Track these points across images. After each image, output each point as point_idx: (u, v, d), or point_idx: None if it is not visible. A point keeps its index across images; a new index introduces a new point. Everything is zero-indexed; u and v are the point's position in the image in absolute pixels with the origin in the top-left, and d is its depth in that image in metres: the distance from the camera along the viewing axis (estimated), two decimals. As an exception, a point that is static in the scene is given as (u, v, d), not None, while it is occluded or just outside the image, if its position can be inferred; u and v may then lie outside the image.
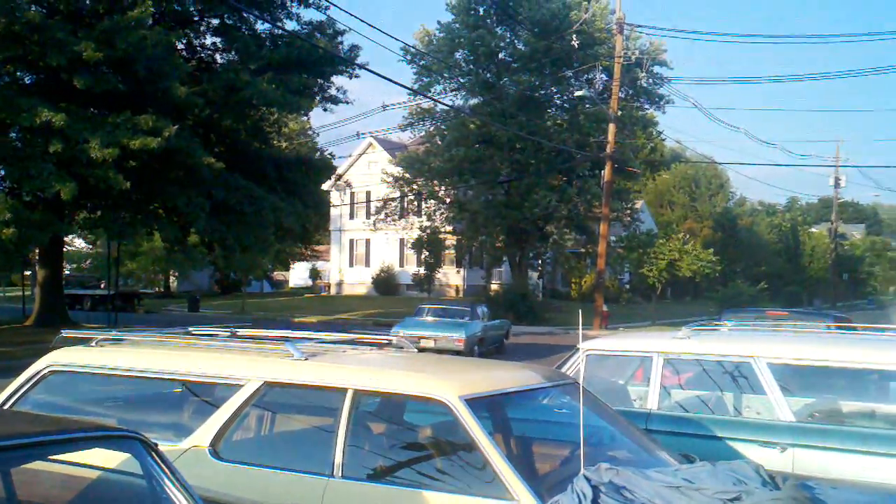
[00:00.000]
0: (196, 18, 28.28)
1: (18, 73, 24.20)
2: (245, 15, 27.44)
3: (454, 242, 49.70)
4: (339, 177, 43.83)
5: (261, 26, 28.63)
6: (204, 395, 5.60)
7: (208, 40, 29.33)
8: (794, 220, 70.66)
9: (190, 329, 6.53)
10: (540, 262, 49.36)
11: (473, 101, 42.70)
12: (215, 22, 28.35)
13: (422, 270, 52.09)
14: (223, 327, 6.99)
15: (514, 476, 4.18)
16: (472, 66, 41.59)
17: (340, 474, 4.51)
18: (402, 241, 52.37)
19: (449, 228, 46.51)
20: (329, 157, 49.91)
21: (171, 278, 59.23)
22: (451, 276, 54.81)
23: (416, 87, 40.19)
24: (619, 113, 37.21)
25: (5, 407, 5.38)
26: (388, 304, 47.54)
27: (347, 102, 30.58)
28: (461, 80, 42.28)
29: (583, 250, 49.33)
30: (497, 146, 40.67)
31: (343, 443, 4.58)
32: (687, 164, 74.21)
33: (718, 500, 3.93)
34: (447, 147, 41.41)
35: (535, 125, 38.80)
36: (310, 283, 65.41)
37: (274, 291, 64.95)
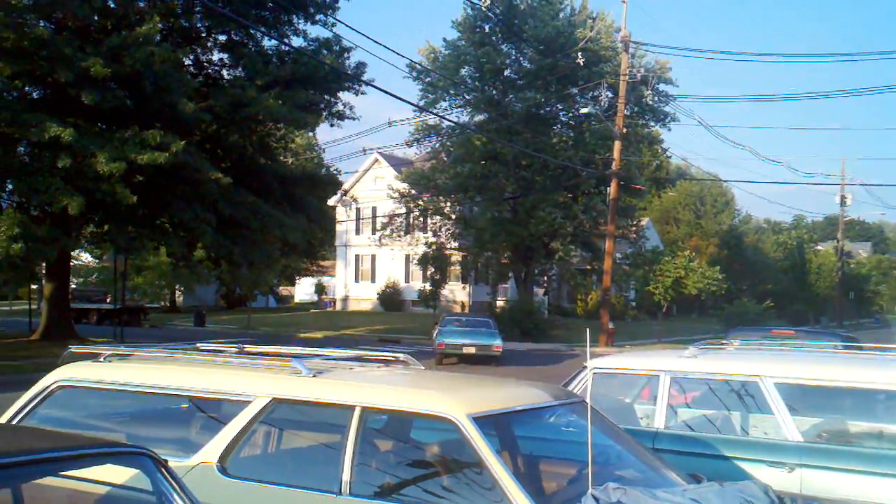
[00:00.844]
0: (203, 35, 28.45)
1: (27, 89, 24.35)
2: (252, 31, 27.60)
3: (460, 258, 49.70)
4: (345, 192, 43.93)
5: (268, 43, 28.83)
6: (212, 411, 5.61)
7: (215, 56, 29.53)
8: (800, 237, 70.51)
9: (198, 345, 6.54)
10: (545, 278, 49.32)
11: (479, 118, 42.78)
12: (222, 38, 28.53)
13: (427, 286, 52.03)
14: (231, 342, 7.00)
15: (521, 495, 4.17)
16: (477, 83, 41.69)
17: (348, 491, 4.51)
18: (407, 256, 52.40)
19: (455, 244, 46.53)
20: (335, 172, 50.08)
21: (177, 293, 59.31)
22: (457, 292, 54.80)
23: (421, 103, 40.33)
24: (625, 130, 37.26)
25: (14, 422, 5.39)
26: (394, 319, 47.56)
27: (354, 118, 30.70)
28: (467, 97, 42.39)
29: (588, 267, 49.27)
30: (503, 163, 40.73)
31: (351, 460, 4.58)
32: (692, 182, 74.21)
33: (727, 520, 3.92)
34: (453, 163, 41.48)
35: (541, 142, 38.85)
36: (315, 298, 65.44)
37: (279, 307, 65.01)
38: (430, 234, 46.61)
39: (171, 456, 4.68)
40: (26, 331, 30.94)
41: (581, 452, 5.49)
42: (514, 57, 42.31)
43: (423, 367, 5.99)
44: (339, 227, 57.91)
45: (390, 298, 55.60)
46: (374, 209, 53.79)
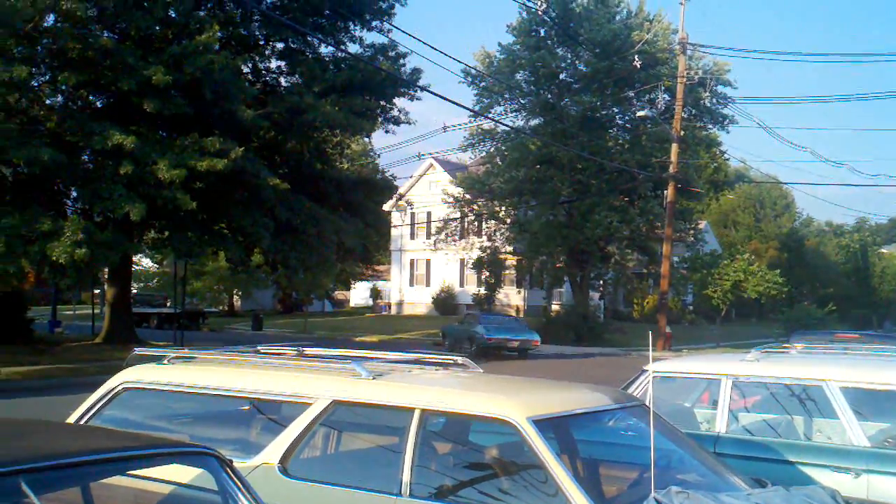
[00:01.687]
0: (261, 43, 28.83)
1: (91, 98, 24.90)
2: (309, 39, 27.88)
3: (514, 263, 49.59)
4: (401, 197, 44.11)
5: (324, 49, 29.09)
6: (273, 413, 5.67)
7: (273, 64, 29.90)
8: (863, 240, 68.93)
9: (258, 347, 6.62)
10: (601, 282, 48.97)
11: (534, 122, 42.68)
12: (280, 46, 28.87)
13: (482, 290, 52.05)
14: (290, 345, 7.07)
15: (583, 498, 4.15)
16: (532, 87, 41.59)
17: (408, 493, 4.52)
18: (462, 261, 52.44)
19: (509, 249, 46.45)
20: (390, 177, 50.31)
21: (235, 297, 60.12)
22: (512, 297, 54.68)
23: (476, 108, 40.33)
24: (682, 133, 36.87)
25: (81, 423, 5.51)
26: (449, 324, 47.54)
27: (409, 123, 30.84)
28: (522, 101, 42.32)
29: (645, 271, 48.80)
30: (558, 167, 40.56)
31: (411, 462, 4.59)
32: (751, 184, 73.09)
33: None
34: (508, 167, 41.43)
35: (597, 145, 38.61)
36: (370, 302, 65.82)
37: (335, 311, 65.50)
38: (484, 238, 46.61)
39: (232, 457, 4.73)
40: (89, 334, 31.63)
41: (641, 456, 5.44)
42: (569, 60, 42.13)
43: (481, 371, 5.98)
44: (394, 232, 58.20)
45: (445, 303, 55.68)
46: (428, 214, 53.97)
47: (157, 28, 23.09)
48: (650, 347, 5.08)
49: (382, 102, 29.58)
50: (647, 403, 6.01)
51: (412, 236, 58.55)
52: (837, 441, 6.69)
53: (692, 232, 45.39)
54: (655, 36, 39.18)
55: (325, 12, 27.59)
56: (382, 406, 4.97)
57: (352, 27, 28.70)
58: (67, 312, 44.42)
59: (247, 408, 5.95)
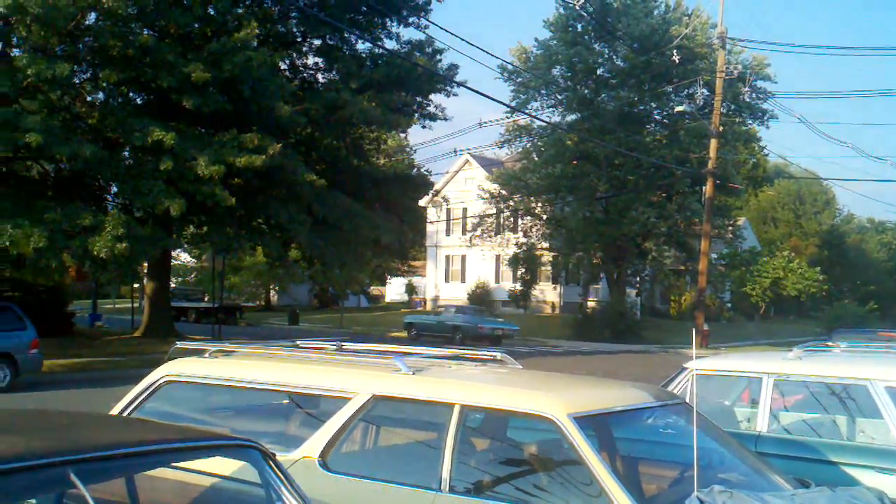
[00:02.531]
0: (299, 39, 28.98)
1: (131, 94, 25.19)
2: (346, 35, 27.96)
3: (550, 259, 49.44)
4: (436, 193, 44.15)
5: (361, 46, 29.17)
6: (312, 407, 5.70)
7: (310, 60, 30.03)
8: (905, 237, 67.91)
9: (298, 342, 6.66)
10: (638, 279, 48.67)
11: (571, 118, 42.50)
12: (317, 42, 28.98)
13: (518, 287, 51.97)
14: (328, 340, 7.10)
15: (624, 497, 4.12)
16: (569, 83, 41.41)
17: (448, 489, 4.52)
18: (497, 257, 52.38)
19: (545, 245, 46.30)
20: (426, 173, 50.38)
21: (272, 292, 60.53)
22: (548, 293, 54.54)
23: (513, 103, 40.24)
24: (721, 128, 36.50)
25: (124, 415, 5.57)
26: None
27: (445, 119, 30.85)
28: (558, 97, 42.15)
29: (682, 268, 48.44)
30: (595, 162, 40.36)
31: (450, 457, 4.59)
32: (791, 180, 72.21)
33: (839, 527, 3.80)
34: (544, 163, 41.28)
35: (634, 141, 38.36)
36: (406, 298, 65.94)
37: (371, 306, 65.69)
38: (520, 234, 46.52)
39: (272, 450, 4.76)
40: (129, 328, 32.05)
41: (681, 455, 5.39)
42: (606, 55, 41.89)
43: (520, 367, 5.97)
44: (429, 228, 58.23)
45: (480, 299, 55.60)
46: (464, 210, 53.94)
47: (197, 25, 23.28)
48: (693, 345, 5.01)
49: (419, 98, 29.61)
50: (688, 401, 5.95)
51: (448, 232, 58.57)
52: (882, 442, 6.59)
53: (731, 228, 44.96)
54: (694, 30, 38.83)
55: (362, 8, 27.66)
56: (422, 401, 4.98)
57: (389, 23, 28.75)
58: (107, 306, 45.06)
59: (286, 402, 5.98)
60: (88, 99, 24.85)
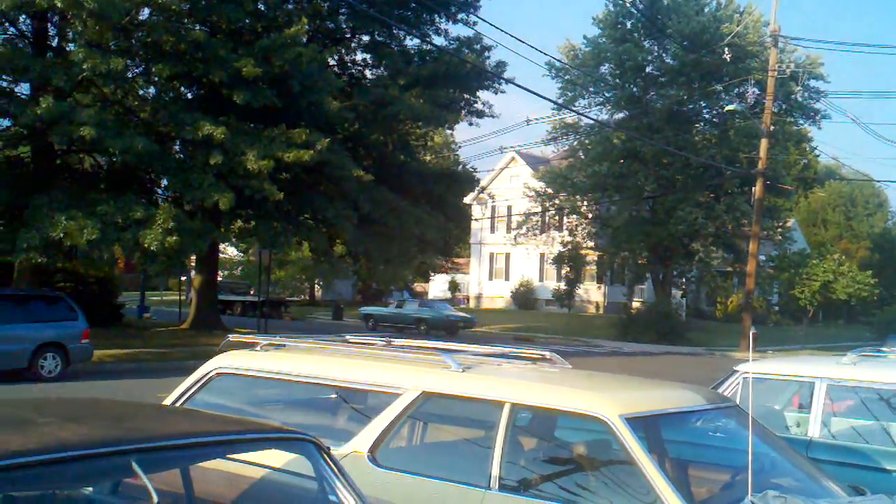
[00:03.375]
0: (348, 35, 29.13)
1: (182, 89, 25.50)
2: (395, 31, 28.04)
3: (595, 258, 49.14)
4: (482, 190, 44.11)
5: (409, 42, 29.23)
6: (360, 402, 5.72)
7: (359, 56, 30.18)
8: (959, 241, 66.36)
9: (346, 337, 6.69)
10: (684, 280, 48.18)
11: (618, 116, 42.18)
12: (366, 38, 29.12)
13: (562, 286, 51.74)
14: (377, 336, 7.13)
15: (677, 500, 4.08)
16: (618, 80, 41.09)
17: (497, 487, 4.52)
18: (542, 255, 52.19)
19: (590, 244, 46.03)
20: (471, 170, 50.37)
21: (316, 287, 60.90)
22: (592, 292, 54.23)
23: (560, 101, 40.01)
24: (772, 128, 35.98)
25: (177, 406, 5.64)
26: (527, 318, 47.44)
27: (493, 116, 30.84)
28: (606, 95, 41.84)
29: (730, 269, 47.84)
30: (642, 161, 40.01)
31: (500, 455, 4.58)
32: (842, 182, 70.97)
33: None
34: (590, 162, 41.00)
35: (683, 140, 37.96)
36: (449, 295, 65.95)
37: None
38: (565, 233, 46.29)
39: (323, 444, 4.79)
40: (176, 320, 32.47)
41: (732, 458, 5.33)
42: (656, 53, 41.50)
43: (570, 366, 5.93)
44: (474, 225, 58.19)
45: (524, 297, 55.51)
46: (509, 207, 53.83)
47: (247, 21, 23.48)
48: (750, 348, 4.92)
49: (466, 95, 29.60)
50: (739, 404, 5.88)
51: (492, 230, 58.49)
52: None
53: (780, 230, 44.28)
54: (746, 28, 38.31)
55: (410, 5, 27.73)
56: (472, 399, 4.97)
57: (437, 19, 28.78)
58: (155, 298, 45.66)
59: (334, 396, 6.02)
60: (140, 93, 25.20)
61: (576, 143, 43.74)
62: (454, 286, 65.18)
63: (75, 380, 17.70)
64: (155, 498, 2.65)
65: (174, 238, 20.14)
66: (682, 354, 31.68)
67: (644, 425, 4.75)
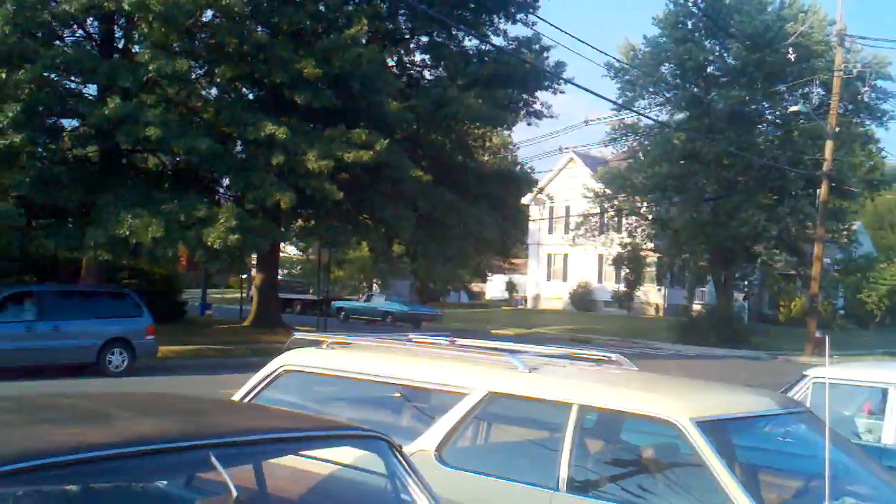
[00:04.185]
0: (407, 36, 29.23)
1: (244, 90, 25.85)
2: (454, 32, 28.05)
3: (655, 260, 48.61)
4: (540, 190, 43.88)
5: (468, 42, 29.21)
6: (424, 401, 5.73)
7: (418, 57, 30.24)
8: None
9: (410, 336, 6.71)
10: (746, 283, 47.37)
11: (679, 117, 41.63)
12: (425, 39, 29.17)
13: (621, 287, 51.28)
14: (440, 336, 7.13)
15: (749, 504, 4.00)
16: (678, 81, 40.54)
17: (565, 488, 4.48)
18: (600, 257, 51.79)
19: (650, 246, 45.54)
20: (529, 170, 50.18)
21: (375, 286, 61.24)
22: (651, 294, 53.67)
23: (620, 101, 39.63)
24: (838, 129, 35.21)
25: (245, 402, 5.70)
26: (586, 320, 47.13)
27: (551, 117, 30.68)
28: (666, 95, 41.32)
29: (793, 272, 46.92)
30: (703, 163, 39.42)
31: (568, 457, 4.55)
32: (911, 184, 69.12)
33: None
34: (650, 163, 40.50)
35: (745, 141, 37.30)
36: (506, 295, 65.81)
37: (471, 302, 65.82)
38: (624, 234, 45.83)
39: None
40: (237, 318, 32.91)
41: (803, 464, 5.22)
42: (717, 53, 40.86)
43: (636, 369, 5.87)
44: (531, 226, 57.96)
45: (582, 298, 55.13)
46: (567, 208, 53.51)
47: (308, 23, 23.70)
48: (826, 353, 4.77)
49: (525, 95, 29.49)
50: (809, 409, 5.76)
51: (550, 230, 58.21)
52: None
53: (845, 233, 43.29)
54: (810, 28, 37.52)
55: (469, 5, 27.72)
56: (539, 400, 4.94)
57: (496, 20, 28.72)
58: (216, 296, 46.34)
59: (399, 395, 6.03)
60: (203, 94, 25.60)
61: (635, 143, 43.29)
62: (511, 287, 65.01)
63: (141, 375, 18.05)
64: (234, 492, 2.67)
65: (236, 236, 20.42)
66: (744, 358, 31.15)
67: (714, 429, 4.68)
